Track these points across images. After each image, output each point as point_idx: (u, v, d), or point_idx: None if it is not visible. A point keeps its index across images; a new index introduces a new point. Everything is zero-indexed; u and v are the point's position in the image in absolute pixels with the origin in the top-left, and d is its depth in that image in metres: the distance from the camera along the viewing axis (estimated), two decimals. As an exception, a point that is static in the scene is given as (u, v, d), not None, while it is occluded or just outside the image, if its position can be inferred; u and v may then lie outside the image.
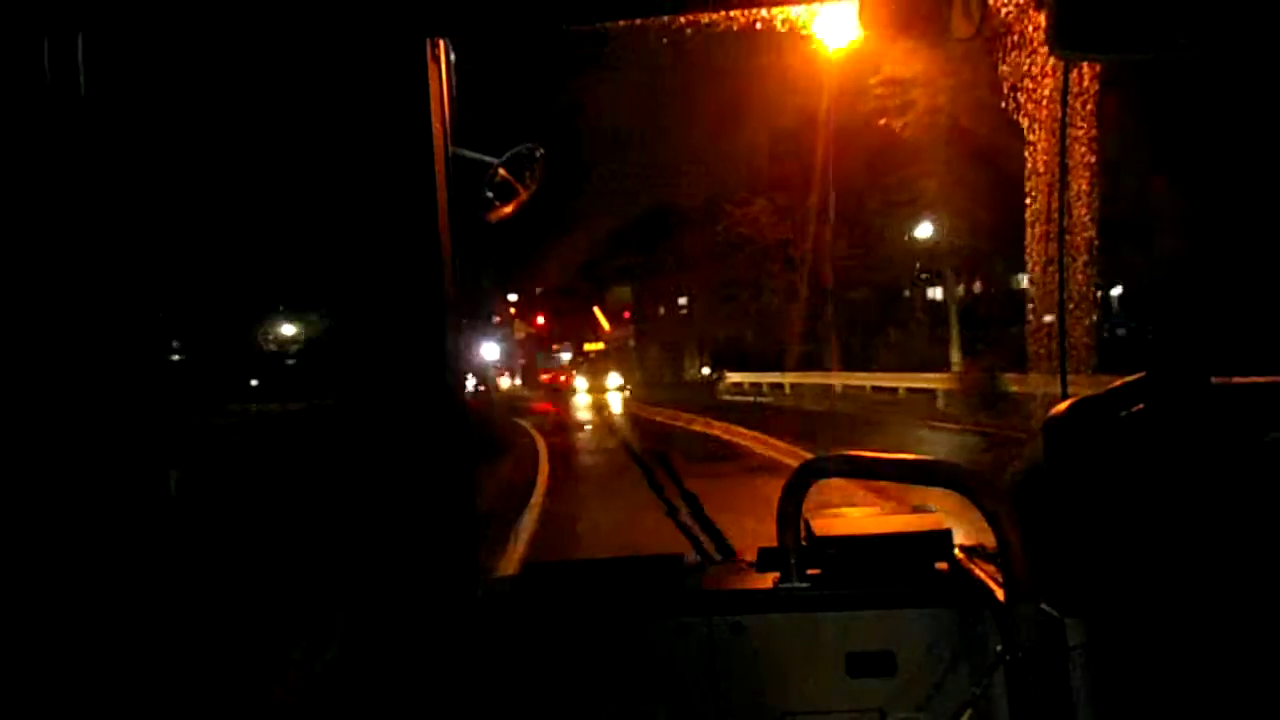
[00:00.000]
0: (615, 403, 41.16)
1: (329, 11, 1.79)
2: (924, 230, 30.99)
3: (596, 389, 50.18)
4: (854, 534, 1.98)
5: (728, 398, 36.30)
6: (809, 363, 34.96)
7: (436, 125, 1.84)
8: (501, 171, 1.94)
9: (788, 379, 35.75)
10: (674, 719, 1.89)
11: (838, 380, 32.28)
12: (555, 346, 68.24)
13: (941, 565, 1.96)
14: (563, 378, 59.65)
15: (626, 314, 60.86)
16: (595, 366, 56.30)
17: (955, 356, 28.46)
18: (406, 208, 1.81)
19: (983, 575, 1.86)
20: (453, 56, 1.87)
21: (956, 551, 1.98)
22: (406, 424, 1.85)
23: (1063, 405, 1.86)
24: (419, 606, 1.88)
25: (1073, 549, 1.79)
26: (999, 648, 1.73)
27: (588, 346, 62.50)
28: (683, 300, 53.62)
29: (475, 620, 1.93)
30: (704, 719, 1.89)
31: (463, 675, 1.88)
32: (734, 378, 41.30)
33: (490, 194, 1.95)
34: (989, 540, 1.86)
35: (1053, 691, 1.70)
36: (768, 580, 1.98)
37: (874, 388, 29.67)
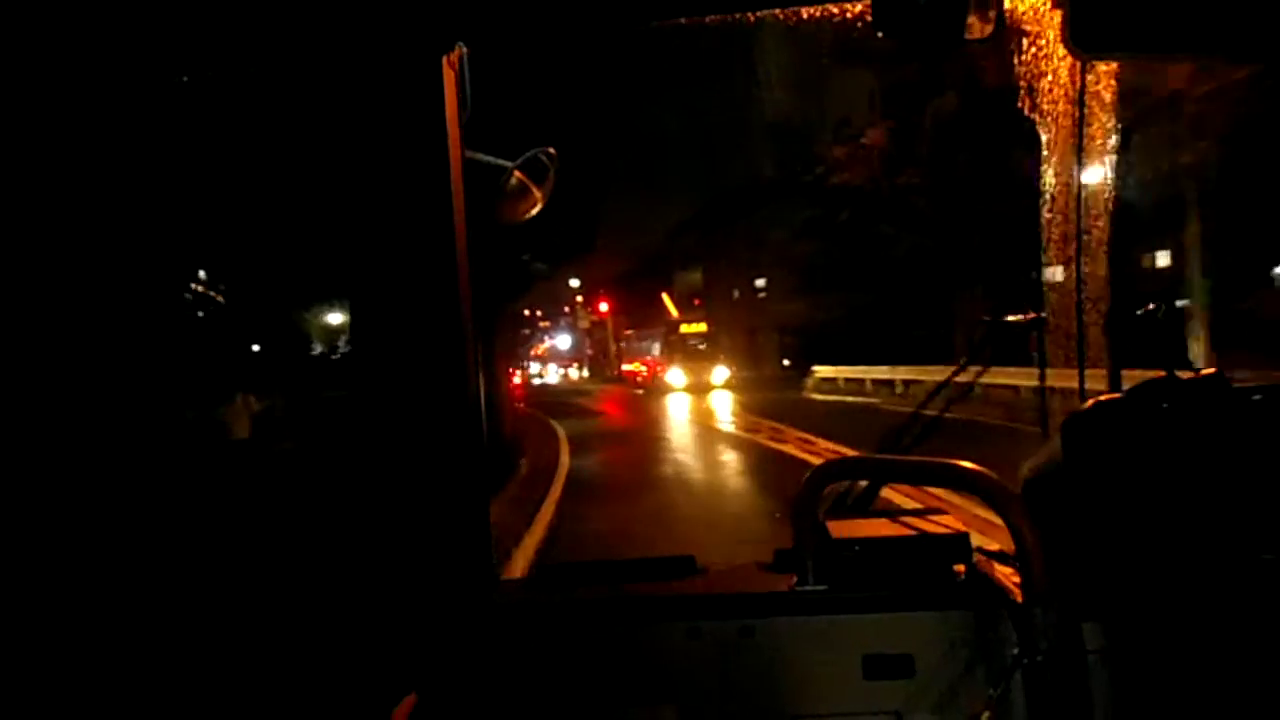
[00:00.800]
0: (721, 409, 30.76)
1: (347, 18, 1.93)
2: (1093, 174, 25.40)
3: (697, 387, 41.37)
4: (870, 536, 2.05)
5: (818, 397, 31.31)
6: (923, 354, 26.89)
7: (452, 129, 1.96)
8: (517, 174, 2.06)
9: (899, 374, 28.85)
10: None
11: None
12: (629, 332, 59.58)
13: (959, 568, 2.03)
14: (644, 369, 50.07)
15: (697, 300, 55.51)
16: (697, 355, 45.45)
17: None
18: (422, 211, 1.92)
19: (1000, 578, 1.93)
20: (466, 60, 1.99)
21: (974, 554, 2.05)
22: (421, 427, 1.96)
23: (1086, 405, 1.94)
24: (434, 609, 1.98)
25: (1091, 552, 1.87)
26: (1016, 651, 1.80)
27: (686, 328, 48.37)
28: (760, 282, 49.67)
29: (488, 622, 2.03)
30: None
31: (475, 676, 1.98)
32: (824, 372, 35.70)
33: (505, 197, 2.07)
34: (1006, 543, 1.95)
35: (1071, 695, 1.77)
36: (784, 583, 2.06)
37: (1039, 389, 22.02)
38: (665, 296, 56.60)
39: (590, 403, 39.65)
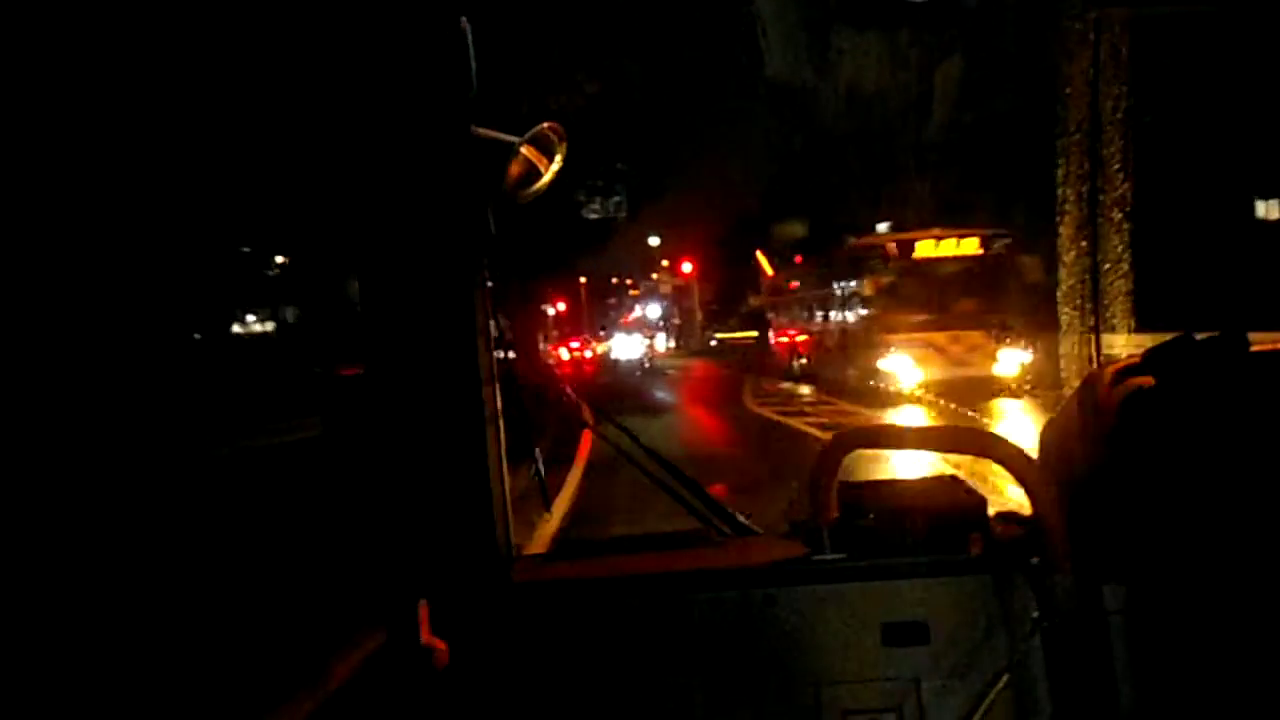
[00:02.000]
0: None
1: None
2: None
3: (957, 389, 20.69)
4: (887, 504, 2.21)
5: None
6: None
7: (457, 106, 2.14)
8: (524, 150, 2.26)
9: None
10: (709, 692, 2.14)
11: None
12: (804, 260, 36.76)
13: (975, 534, 2.16)
14: (806, 346, 30.70)
15: (799, 257, 42.83)
16: (952, 314, 23.06)
17: None
18: (429, 188, 2.12)
19: (1018, 543, 2.09)
20: (469, 36, 2.18)
21: (991, 519, 2.20)
22: (433, 405, 2.15)
23: (1108, 368, 2.08)
24: (452, 585, 2.16)
25: (1110, 514, 2.00)
26: (1036, 615, 1.97)
27: (930, 249, 24.24)
28: (882, 227, 31.67)
29: (509, 598, 2.21)
30: (739, 691, 2.15)
31: (497, 652, 2.16)
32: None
33: (513, 172, 2.27)
34: (1023, 507, 2.10)
35: (1090, 658, 1.93)
36: (801, 552, 2.23)
37: None
38: (760, 254, 50.30)
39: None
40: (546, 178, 2.29)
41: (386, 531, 2.20)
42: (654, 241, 69.05)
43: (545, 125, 2.28)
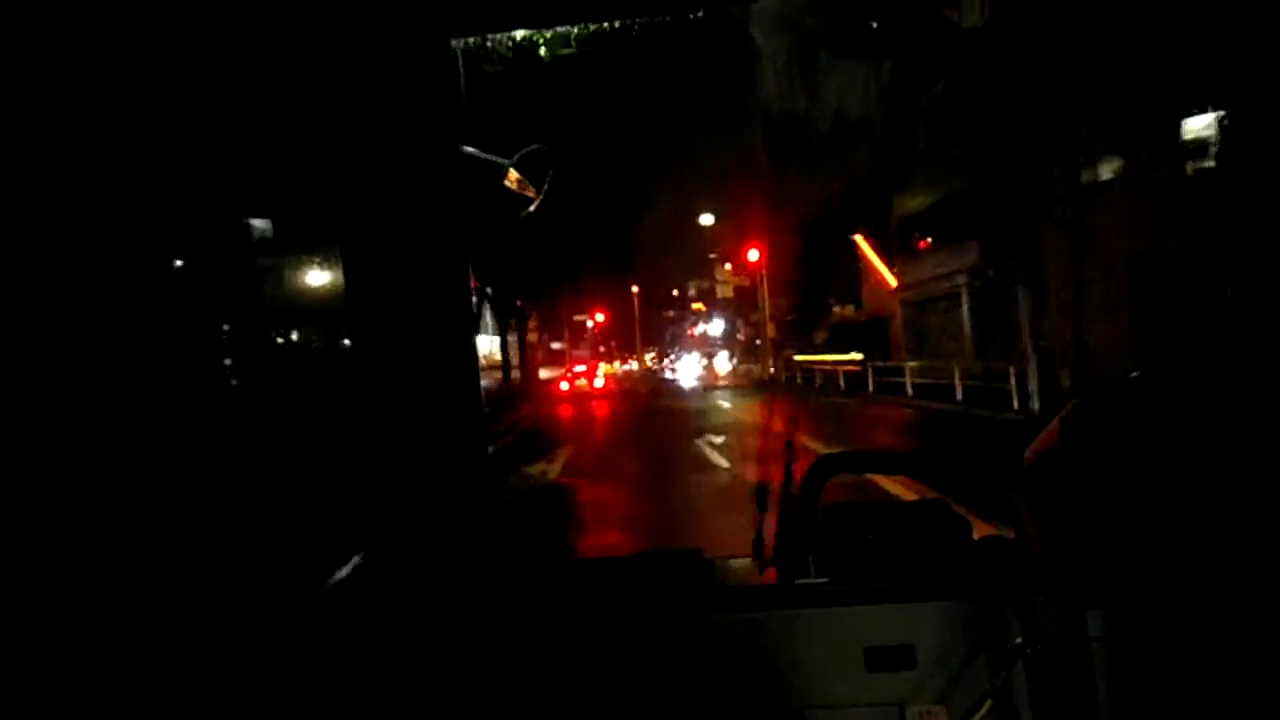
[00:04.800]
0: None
1: (350, 13, 2.51)
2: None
3: None
4: (871, 528, 2.60)
5: None
6: None
7: (449, 126, 2.55)
8: (512, 173, 2.71)
9: None
10: (693, 714, 2.48)
11: None
12: None
13: (960, 558, 2.56)
14: None
15: (922, 242, 39.75)
16: None
17: None
18: (419, 209, 2.51)
19: (1002, 567, 2.46)
20: (460, 59, 2.58)
21: (975, 543, 2.58)
22: (424, 421, 2.53)
23: (1082, 393, 2.46)
24: (442, 600, 2.53)
25: (1092, 539, 2.35)
26: (1019, 640, 2.30)
27: None
28: (1115, 166, 25.20)
29: (496, 618, 2.54)
30: (723, 715, 2.48)
31: (483, 670, 2.49)
32: None
33: (503, 194, 2.73)
34: (1007, 532, 2.49)
35: (1073, 683, 2.25)
36: (786, 576, 2.61)
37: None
38: (861, 241, 44.41)
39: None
40: (534, 199, 2.74)
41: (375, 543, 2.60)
42: (707, 220, 63.55)
43: (535, 146, 2.73)
